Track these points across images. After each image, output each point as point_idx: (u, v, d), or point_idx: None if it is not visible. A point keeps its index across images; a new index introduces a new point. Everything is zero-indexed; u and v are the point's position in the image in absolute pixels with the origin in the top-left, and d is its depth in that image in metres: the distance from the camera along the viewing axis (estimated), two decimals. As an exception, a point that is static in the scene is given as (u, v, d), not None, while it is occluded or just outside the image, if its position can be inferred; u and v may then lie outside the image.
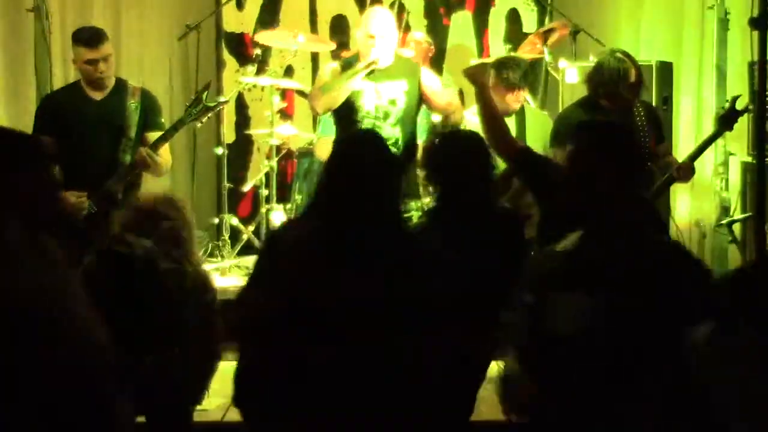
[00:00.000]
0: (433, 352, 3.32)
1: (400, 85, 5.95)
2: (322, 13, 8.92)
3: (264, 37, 8.00)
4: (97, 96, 5.86)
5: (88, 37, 5.80)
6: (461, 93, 8.20)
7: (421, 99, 6.05)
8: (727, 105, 5.93)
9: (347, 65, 5.99)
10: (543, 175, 4.43)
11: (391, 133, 5.88)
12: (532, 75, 6.90)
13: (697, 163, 6.03)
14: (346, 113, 5.92)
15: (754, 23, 4.79)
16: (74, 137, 5.76)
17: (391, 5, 8.68)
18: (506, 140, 4.65)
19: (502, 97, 6.11)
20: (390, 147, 5.68)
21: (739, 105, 5.83)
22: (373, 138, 3.74)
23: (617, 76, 5.53)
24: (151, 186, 5.91)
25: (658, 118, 6.09)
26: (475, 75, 4.80)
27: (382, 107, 5.89)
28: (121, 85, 5.93)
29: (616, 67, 5.55)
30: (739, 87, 7.25)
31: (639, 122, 5.72)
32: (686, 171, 5.84)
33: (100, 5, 8.47)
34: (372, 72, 5.87)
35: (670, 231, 5.93)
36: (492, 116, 4.68)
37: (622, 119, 5.53)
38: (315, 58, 8.78)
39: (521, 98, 6.40)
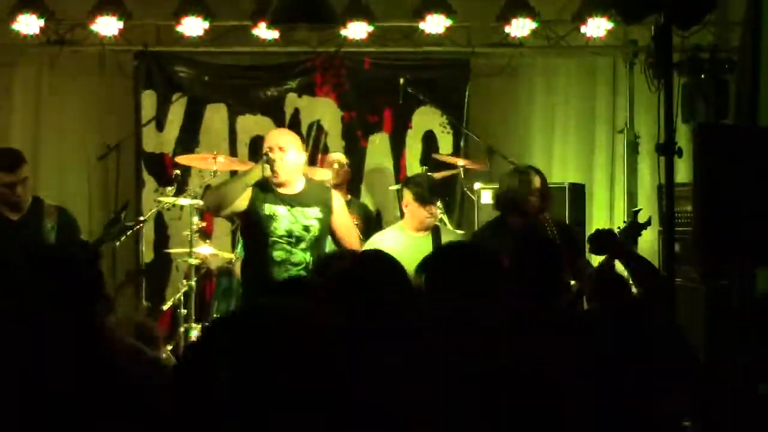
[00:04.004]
0: None
1: (313, 212, 5.88)
2: (242, 134, 8.98)
3: (183, 158, 8.03)
4: (14, 216, 5.81)
5: (5, 162, 5.74)
6: (378, 214, 8.31)
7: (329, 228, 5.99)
8: (629, 219, 6.04)
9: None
10: None
11: (302, 258, 5.81)
12: (442, 190, 6.99)
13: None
14: (257, 237, 5.89)
15: (660, 149, 4.95)
16: (-10, 257, 5.71)
17: (310, 126, 8.81)
18: None
19: (415, 213, 6.14)
20: (300, 271, 5.66)
21: (641, 218, 5.93)
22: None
23: (518, 186, 5.71)
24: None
25: (572, 235, 6.21)
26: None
27: (296, 233, 5.82)
28: (38, 204, 5.89)
29: (518, 179, 5.76)
30: (648, 209, 7.41)
31: (551, 238, 5.80)
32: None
33: (18, 122, 8.48)
34: (273, 187, 5.80)
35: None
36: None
37: (531, 236, 5.64)
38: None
39: (434, 213, 6.41)
